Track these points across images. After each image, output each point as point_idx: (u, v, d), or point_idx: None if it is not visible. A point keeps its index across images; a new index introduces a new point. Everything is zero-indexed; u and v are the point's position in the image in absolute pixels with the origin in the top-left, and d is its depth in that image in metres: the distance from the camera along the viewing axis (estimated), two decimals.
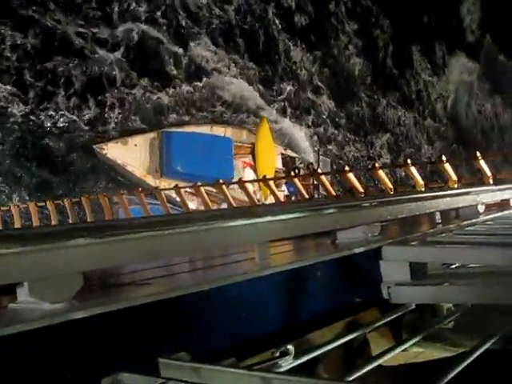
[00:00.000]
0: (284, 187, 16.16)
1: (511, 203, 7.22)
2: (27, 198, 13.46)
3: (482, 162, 7.69)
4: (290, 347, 2.93)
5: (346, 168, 8.36)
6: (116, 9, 15.75)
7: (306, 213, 4.03)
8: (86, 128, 14.65)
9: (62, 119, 14.27)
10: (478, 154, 7.92)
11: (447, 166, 7.78)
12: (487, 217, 6.28)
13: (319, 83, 20.57)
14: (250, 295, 3.56)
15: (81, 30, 15.04)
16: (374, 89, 22.74)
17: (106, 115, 15.00)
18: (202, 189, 9.14)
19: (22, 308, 2.38)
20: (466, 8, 27.30)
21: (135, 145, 14.66)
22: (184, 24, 17.10)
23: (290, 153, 18.28)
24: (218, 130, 16.58)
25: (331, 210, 4.26)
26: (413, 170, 7.96)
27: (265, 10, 19.11)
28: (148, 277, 3.15)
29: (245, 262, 3.69)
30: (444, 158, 7.91)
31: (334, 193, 9.05)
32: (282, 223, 3.63)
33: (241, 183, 9.58)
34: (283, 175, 16.55)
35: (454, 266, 4.80)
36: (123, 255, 2.69)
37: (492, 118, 28.34)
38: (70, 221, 10.67)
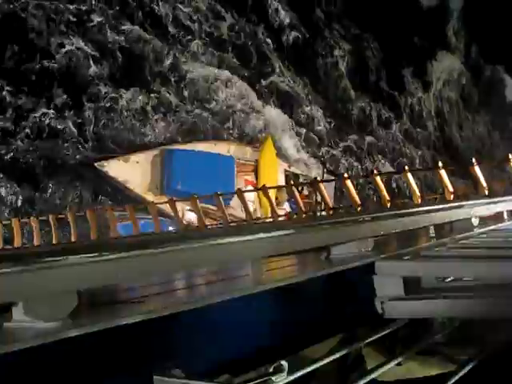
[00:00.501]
0: (286, 204, 16.18)
1: (505, 216, 7.26)
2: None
3: (477, 169, 7.59)
4: (284, 363, 2.95)
5: (345, 175, 8.33)
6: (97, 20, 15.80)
7: (299, 229, 4.08)
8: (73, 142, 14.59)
9: (45, 132, 14.21)
10: (474, 160, 7.82)
11: (443, 175, 7.68)
12: (481, 230, 6.32)
13: (314, 106, 20.65)
14: (244, 311, 3.58)
15: (65, 40, 15.02)
16: (367, 107, 22.83)
17: (89, 128, 14.93)
18: (197, 202, 9.16)
19: (16, 327, 2.40)
20: (452, 26, 27.63)
21: (137, 162, 14.70)
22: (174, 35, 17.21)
23: (294, 170, 18.31)
24: (222, 148, 16.59)
25: (324, 226, 4.31)
26: (410, 177, 7.84)
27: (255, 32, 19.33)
28: (142, 295, 3.18)
29: (239, 279, 3.72)
30: (440, 163, 7.82)
31: (331, 204, 8.98)
32: (275, 240, 3.67)
33: (239, 193, 9.52)
34: (285, 191, 16.50)
35: (448, 280, 4.83)
36: (117, 274, 2.72)
37: (485, 136, 28.42)
38: (54, 238, 10.44)
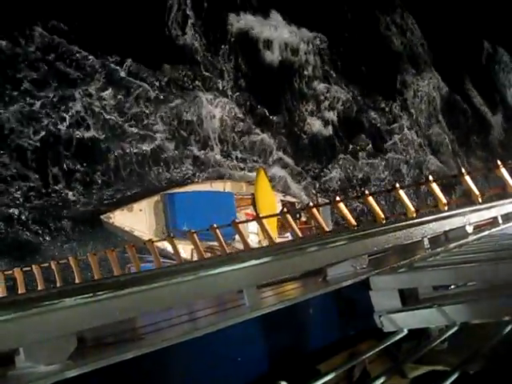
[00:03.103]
0: (288, 234, 16.38)
1: (499, 220, 7.32)
2: None
3: (468, 178, 7.58)
4: (284, 383, 3.01)
5: (338, 198, 8.36)
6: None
7: (292, 253, 4.16)
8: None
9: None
10: (463, 170, 7.81)
11: (435, 188, 7.69)
12: (475, 236, 6.39)
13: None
14: (245, 336, 3.67)
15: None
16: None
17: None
18: (195, 236, 9.24)
19: (19, 373, 2.49)
20: None
21: (140, 210, 14.91)
22: None
23: (289, 198, 18.54)
24: (218, 186, 16.94)
25: (317, 248, 4.38)
26: (402, 193, 7.84)
27: None
28: (141, 332, 3.26)
29: (236, 308, 3.79)
30: (431, 177, 7.83)
31: (326, 228, 8.98)
32: (267, 266, 3.75)
33: (234, 224, 9.52)
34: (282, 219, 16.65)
35: (450, 288, 4.89)
36: (115, 312, 2.81)
37: None
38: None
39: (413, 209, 7.85)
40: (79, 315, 2.63)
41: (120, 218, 14.41)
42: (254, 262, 3.64)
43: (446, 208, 7.72)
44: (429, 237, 5.84)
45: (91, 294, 2.67)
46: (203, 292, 3.30)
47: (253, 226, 16.13)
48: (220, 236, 8.90)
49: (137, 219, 14.74)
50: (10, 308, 2.39)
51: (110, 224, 14.29)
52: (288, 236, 16.30)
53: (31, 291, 7.68)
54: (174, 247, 9.71)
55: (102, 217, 14.29)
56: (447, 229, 6.18)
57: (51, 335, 2.55)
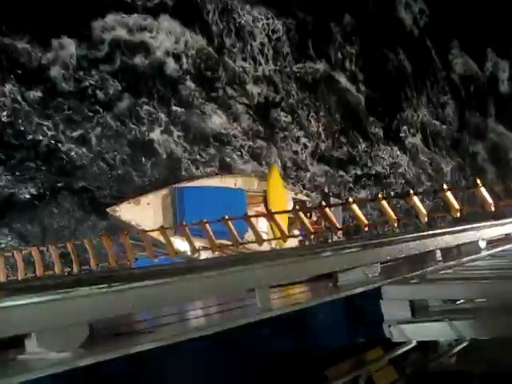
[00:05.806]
0: (297, 233, 16.02)
1: None
2: None
3: (483, 189, 7.47)
4: None
5: (350, 199, 8.31)
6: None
7: (305, 256, 4.14)
8: None
9: None
10: (478, 181, 7.71)
11: (449, 195, 7.60)
12: (488, 252, 6.34)
13: None
14: (253, 339, 3.65)
15: None
16: None
17: None
18: (207, 226, 9.18)
19: (29, 358, 2.49)
20: None
21: (148, 203, 14.51)
22: None
23: (300, 197, 18.23)
24: (229, 181, 16.47)
25: (330, 253, 4.36)
26: (416, 200, 7.76)
27: None
28: (152, 325, 3.26)
29: (247, 307, 3.78)
30: (445, 186, 7.75)
31: (338, 225, 8.86)
32: (281, 267, 3.74)
33: (247, 218, 9.44)
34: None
35: (457, 302, 4.85)
36: (128, 304, 2.81)
37: None
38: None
39: (425, 212, 7.70)
40: (93, 305, 2.62)
41: (126, 212, 14.14)
42: (267, 262, 3.63)
43: (459, 214, 7.54)
44: (441, 249, 5.79)
45: (106, 285, 2.66)
46: (217, 289, 3.29)
47: (262, 224, 15.80)
48: (233, 228, 8.83)
49: (143, 213, 14.39)
50: (25, 293, 2.39)
51: (117, 217, 14.06)
52: (294, 232, 16.05)
53: (48, 277, 7.71)
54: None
55: (108, 209, 14.07)
56: (460, 242, 6.13)
57: (64, 322, 2.55)
